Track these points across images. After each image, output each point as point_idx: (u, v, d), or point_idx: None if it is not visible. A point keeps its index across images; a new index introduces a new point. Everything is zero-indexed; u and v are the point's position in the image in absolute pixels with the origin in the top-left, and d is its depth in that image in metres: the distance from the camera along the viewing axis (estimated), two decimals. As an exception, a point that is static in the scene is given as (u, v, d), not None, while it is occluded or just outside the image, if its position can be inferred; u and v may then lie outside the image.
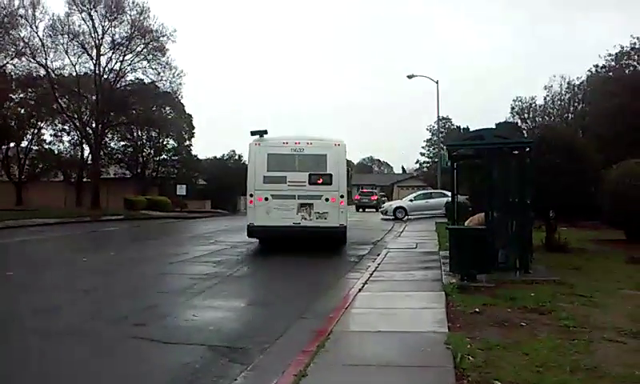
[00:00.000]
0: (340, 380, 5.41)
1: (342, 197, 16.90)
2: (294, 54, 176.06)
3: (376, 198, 54.52)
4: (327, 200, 16.69)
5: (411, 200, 35.72)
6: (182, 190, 44.70)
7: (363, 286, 10.33)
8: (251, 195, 16.99)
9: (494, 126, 14.77)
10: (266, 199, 16.67)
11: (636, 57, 31.52)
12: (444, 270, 11.46)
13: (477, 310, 8.06)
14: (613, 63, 32.19)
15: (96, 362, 6.42)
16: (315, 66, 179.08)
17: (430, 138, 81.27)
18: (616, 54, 31.89)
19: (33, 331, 7.59)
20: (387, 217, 34.35)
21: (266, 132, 17.19)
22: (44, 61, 40.91)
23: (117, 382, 5.78)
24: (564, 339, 6.45)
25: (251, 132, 17.19)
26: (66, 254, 17.58)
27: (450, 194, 28.22)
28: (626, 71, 31.03)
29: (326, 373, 5.53)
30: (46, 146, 50.05)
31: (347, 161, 19.34)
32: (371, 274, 11.78)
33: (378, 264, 13.45)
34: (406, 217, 33.43)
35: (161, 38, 42.88)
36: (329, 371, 5.58)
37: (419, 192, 39.48)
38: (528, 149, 11.76)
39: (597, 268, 12.29)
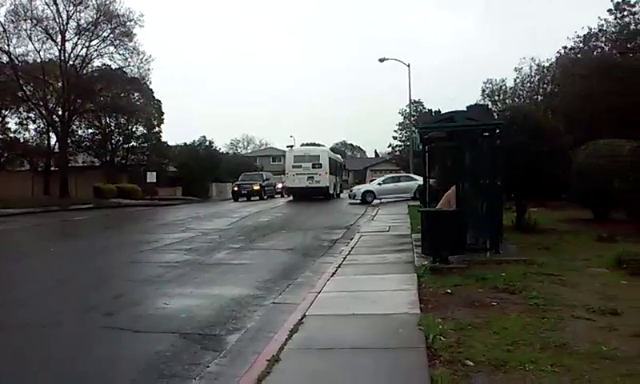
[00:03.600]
0: (313, 363, 5.38)
1: (326, 173, 36.90)
2: (265, 38, 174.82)
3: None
4: (319, 174, 36.56)
5: (380, 184, 34.86)
6: (152, 177, 44.13)
7: (336, 270, 10.32)
8: (287, 173, 37.89)
9: (465, 109, 14.84)
10: (293, 174, 36.91)
11: (604, 39, 31.99)
12: (416, 252, 11.49)
13: (448, 290, 8.12)
14: (581, 45, 32.60)
15: (64, 353, 6.31)
16: (288, 51, 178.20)
17: (403, 122, 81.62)
18: (584, 35, 32.33)
19: (-1, 323, 7.42)
20: (355, 201, 33.40)
21: (293, 146, 41.35)
22: (6, 47, 39.85)
23: (86, 373, 5.66)
24: (534, 318, 6.53)
25: (287, 146, 42.38)
26: (33, 244, 17.23)
27: (418, 177, 30.88)
28: (594, 53, 31.45)
29: (299, 357, 5.50)
30: (11, 135, 48.82)
31: (336, 158, 44.18)
32: (344, 258, 11.78)
33: (352, 248, 13.45)
34: (375, 200, 32.75)
35: (128, 23, 42.21)
36: (302, 355, 5.56)
37: (387, 175, 38.45)
38: (498, 130, 11.81)
39: (566, 247, 12.48)
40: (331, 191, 38.29)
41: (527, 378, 4.72)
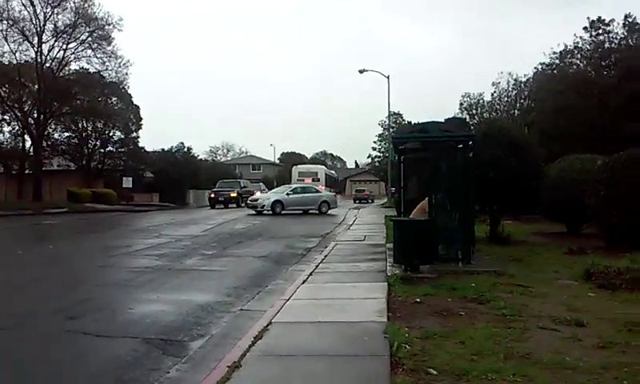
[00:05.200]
0: (273, 370, 5.29)
1: (322, 186, 42.65)
2: (246, 46, 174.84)
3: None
4: (317, 187, 38.77)
5: (288, 194, 33.71)
6: (128, 182, 43.67)
7: (307, 278, 10.24)
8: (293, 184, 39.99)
9: (440, 121, 14.93)
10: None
11: (579, 56, 32.48)
12: (389, 261, 11.49)
13: (417, 300, 8.09)
14: (557, 61, 33.08)
15: (21, 356, 6.12)
16: (268, 59, 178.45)
17: (382, 133, 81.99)
18: (560, 52, 32.80)
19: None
20: (264, 211, 32.04)
21: (297, 164, 54.81)
22: (-19, 47, 39.14)
23: (43, 376, 5.50)
24: (500, 328, 6.53)
25: (293, 164, 55.23)
26: (1, 248, 16.85)
27: (322, 190, 36.51)
28: (570, 69, 31.94)
29: (260, 363, 5.40)
30: (-15, 137, 47.94)
31: (330, 173, 56.72)
32: (317, 266, 11.70)
33: (325, 256, 13.39)
34: (283, 211, 32.06)
35: (106, 27, 41.66)
36: (263, 362, 5.46)
37: (296, 185, 37.42)
38: (471, 142, 11.88)
39: (537, 259, 12.59)
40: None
41: (488, 387, 4.69)
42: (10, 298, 9.22)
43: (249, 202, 34.49)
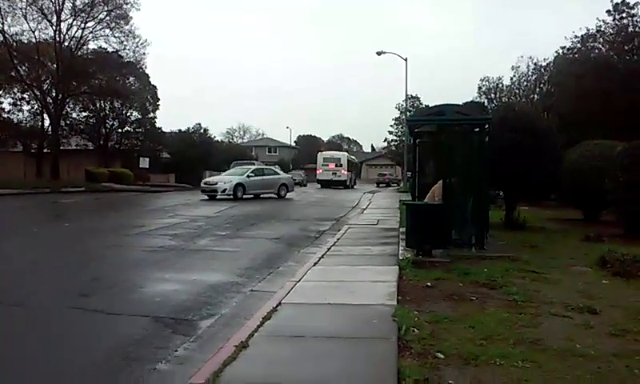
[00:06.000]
0: (279, 350, 5.27)
1: (344, 170, 50.99)
2: (264, 27, 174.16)
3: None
4: (340, 171, 50.69)
5: (249, 176, 30.32)
6: (144, 162, 43.89)
7: (319, 260, 10.22)
8: (318, 170, 51.93)
9: (457, 104, 14.71)
10: (322, 170, 51.19)
11: (601, 40, 31.83)
12: (402, 245, 11.43)
13: (429, 284, 8.03)
14: (579, 45, 32.45)
15: (33, 333, 6.17)
16: (286, 41, 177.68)
17: (399, 117, 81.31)
18: (582, 36, 32.13)
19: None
20: (223, 196, 28.31)
21: (322, 150, 61.16)
22: (0, 25, 39.43)
23: (51, 353, 5.53)
24: (511, 313, 6.45)
25: (318, 150, 60.45)
26: (18, 225, 17.07)
27: (281, 172, 33.56)
28: (591, 54, 31.33)
29: (267, 344, 5.39)
30: (5, 115, 48.42)
31: (352, 159, 59.05)
32: (329, 249, 11.67)
33: (338, 239, 13.35)
34: (244, 195, 29.18)
35: (124, 6, 41.79)
36: (270, 342, 5.45)
37: (254, 167, 33.51)
38: (487, 126, 11.72)
39: (552, 246, 12.44)
40: (348, 183, 51.43)
41: (497, 372, 4.63)
42: (22, 274, 9.30)
43: (204, 184, 30.07)
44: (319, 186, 50.72)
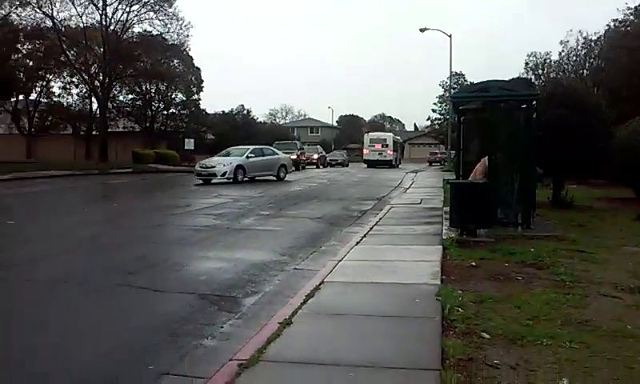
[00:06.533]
0: (323, 328, 5.31)
1: (390, 151, 52.43)
2: (307, 6, 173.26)
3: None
4: (386, 152, 52.18)
5: (248, 157, 27.63)
6: (189, 144, 44.48)
7: (362, 239, 10.20)
8: (365, 150, 54.29)
9: (506, 81, 14.37)
10: (368, 151, 52.96)
11: (656, 10, 30.47)
12: (445, 225, 11.29)
13: (473, 263, 7.93)
14: (632, 17, 31.12)
15: (80, 308, 6.40)
16: (329, 22, 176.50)
17: (443, 95, 79.87)
18: (635, 7, 30.79)
19: (26, 279, 7.59)
20: (222, 180, 26.01)
21: (368, 131, 66.04)
22: (50, 11, 40.47)
23: (96, 327, 5.71)
24: (559, 294, 6.32)
25: (364, 131, 70.07)
26: (68, 205, 17.63)
27: (280, 152, 30.57)
28: (645, 26, 30.03)
29: (310, 321, 5.43)
30: (55, 99, 49.92)
31: (397, 139, 59.85)
32: (371, 228, 11.64)
33: (380, 218, 13.29)
34: (245, 178, 26.95)
35: (168, -12, 42.20)
36: (314, 320, 5.49)
37: (251, 147, 29.66)
38: (534, 102, 11.41)
39: (602, 225, 12.11)
40: (394, 163, 53.02)
41: (543, 352, 4.55)
42: (72, 252, 9.62)
43: (199, 168, 27.31)
44: (365, 165, 51.84)
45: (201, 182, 26.26)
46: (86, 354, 4.96)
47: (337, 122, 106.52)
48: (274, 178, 28.42)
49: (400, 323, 5.39)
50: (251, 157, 27.77)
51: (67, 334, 5.55)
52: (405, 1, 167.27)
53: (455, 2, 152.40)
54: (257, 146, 30.03)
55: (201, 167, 27.06)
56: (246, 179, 26.89)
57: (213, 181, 26.02)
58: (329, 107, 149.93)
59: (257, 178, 27.80)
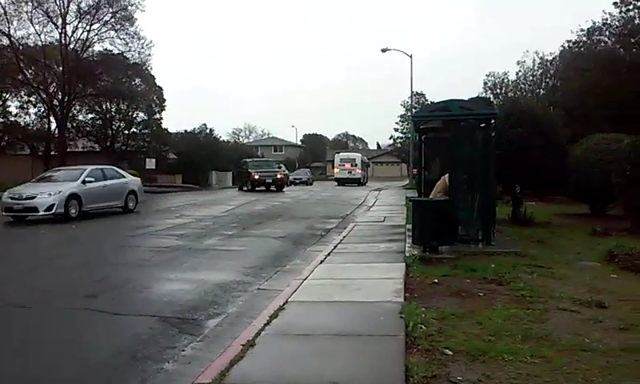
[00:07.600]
0: (287, 349, 5.28)
1: (359, 170, 56.69)
2: (267, 26, 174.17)
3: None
4: (355, 170, 56.28)
5: (85, 182, 19.21)
6: (151, 163, 43.92)
7: (325, 258, 10.22)
8: (335, 169, 58.21)
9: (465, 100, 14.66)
10: (339, 170, 56.83)
11: (607, 33, 31.54)
12: (408, 242, 11.39)
13: (435, 280, 8.01)
14: (585, 39, 32.18)
15: (40, 333, 6.22)
16: (289, 41, 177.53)
17: (404, 114, 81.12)
18: (588, 29, 31.78)
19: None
20: (45, 215, 17.53)
21: (339, 152, 69.09)
22: (7, 29, 39.54)
23: (58, 353, 5.56)
24: (519, 309, 6.41)
25: (335, 152, 74.06)
26: (25, 228, 17.11)
27: (127, 174, 22.72)
28: (597, 47, 31.09)
29: (274, 342, 5.39)
30: (12, 119, 48.60)
31: (364, 159, 65.19)
32: (335, 246, 11.67)
33: (344, 237, 13.34)
34: (81, 211, 18.66)
35: (129, 7, 41.76)
36: (278, 341, 5.45)
37: (89, 167, 20.56)
38: (493, 121, 11.67)
39: (559, 241, 12.38)
40: (362, 181, 56.18)
41: (505, 368, 4.61)
42: (29, 276, 9.36)
43: (9, 199, 18.18)
44: (336, 183, 55.09)
45: (11, 220, 18.11)
46: (44, 382, 4.81)
47: (301, 140, 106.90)
48: (121, 211, 20.78)
49: (364, 342, 5.40)
50: (90, 181, 19.43)
51: (22, 361, 5.36)
52: (368, 21, 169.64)
53: (416, 22, 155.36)
54: (96, 167, 21.24)
55: (13, 198, 18.17)
56: (83, 212, 18.81)
57: (29, 218, 18.00)
58: (292, 126, 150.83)
59: (99, 212, 20.05)
